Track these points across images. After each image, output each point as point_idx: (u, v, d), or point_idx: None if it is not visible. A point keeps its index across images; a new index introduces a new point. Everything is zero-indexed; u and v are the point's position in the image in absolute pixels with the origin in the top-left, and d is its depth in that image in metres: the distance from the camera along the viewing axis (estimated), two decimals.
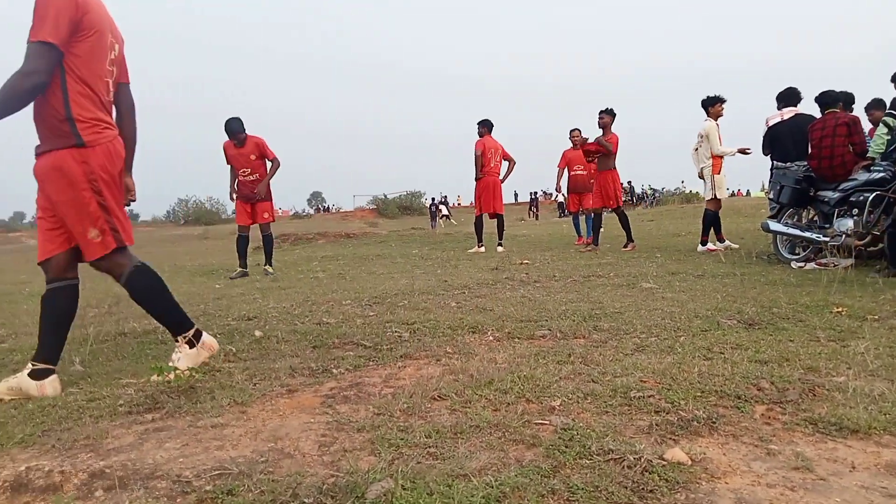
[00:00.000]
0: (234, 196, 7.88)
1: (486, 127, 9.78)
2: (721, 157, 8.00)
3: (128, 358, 3.25)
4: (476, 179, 9.79)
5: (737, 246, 8.11)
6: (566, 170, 10.71)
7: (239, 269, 7.95)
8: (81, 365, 3.09)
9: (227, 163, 7.76)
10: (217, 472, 1.71)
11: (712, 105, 8.13)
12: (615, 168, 9.05)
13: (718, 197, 8.17)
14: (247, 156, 7.60)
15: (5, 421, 2.28)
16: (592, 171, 9.72)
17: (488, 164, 9.69)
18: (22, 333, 4.11)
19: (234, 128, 7.46)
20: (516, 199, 49.10)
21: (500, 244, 9.97)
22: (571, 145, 10.40)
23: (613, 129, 8.97)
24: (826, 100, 6.49)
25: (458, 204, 51.70)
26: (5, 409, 2.42)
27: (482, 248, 9.86)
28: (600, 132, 8.94)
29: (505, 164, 9.96)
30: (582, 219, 10.69)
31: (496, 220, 9.91)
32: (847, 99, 6.69)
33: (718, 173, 8.11)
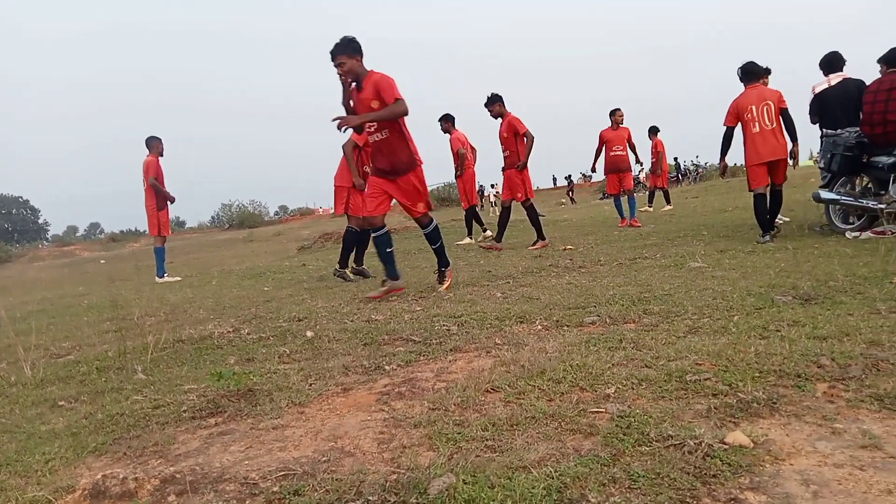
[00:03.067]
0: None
1: (450, 121, 9.88)
2: None
3: (187, 364, 3.35)
4: (458, 176, 10.00)
5: (787, 219, 7.86)
6: (604, 151, 10.48)
7: (352, 269, 6.66)
8: (144, 373, 3.21)
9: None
10: (282, 473, 1.77)
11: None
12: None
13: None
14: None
15: (78, 431, 2.38)
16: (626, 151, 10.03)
17: (467, 155, 9.93)
18: (86, 345, 4.28)
19: None
20: (555, 184, 48.59)
21: (484, 229, 10.41)
22: (611, 125, 10.13)
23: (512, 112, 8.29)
24: (888, 58, 6.21)
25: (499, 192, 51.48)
26: (77, 420, 2.53)
27: (472, 240, 10.18)
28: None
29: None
30: (623, 199, 10.44)
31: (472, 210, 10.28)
32: None
33: None
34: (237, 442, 2.10)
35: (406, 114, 4.78)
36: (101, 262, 24.44)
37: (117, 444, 2.21)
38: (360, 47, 4.77)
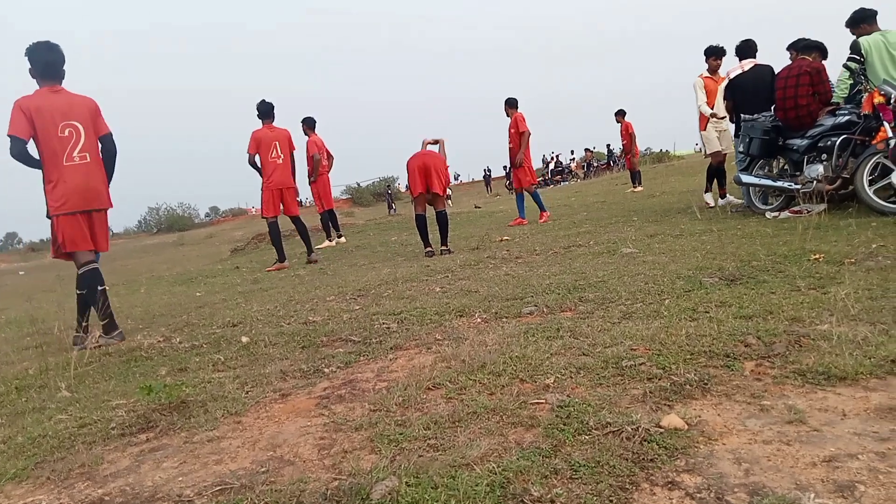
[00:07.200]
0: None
1: (309, 126, 10.09)
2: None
3: (115, 378, 3.20)
4: (312, 181, 10.12)
5: (741, 201, 7.49)
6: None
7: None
8: (68, 390, 3.04)
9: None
10: (218, 488, 1.70)
11: (707, 57, 8.02)
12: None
13: (709, 152, 8.13)
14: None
15: None
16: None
17: (320, 162, 10.04)
18: (3, 363, 4.03)
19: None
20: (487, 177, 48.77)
21: (340, 235, 10.63)
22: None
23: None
24: (798, 46, 6.56)
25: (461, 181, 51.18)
26: None
27: (333, 242, 10.37)
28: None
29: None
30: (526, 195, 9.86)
31: (329, 214, 10.49)
32: (823, 49, 6.67)
33: (704, 129, 8.02)
34: (170, 458, 2.02)
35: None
36: (21, 273, 23.16)
37: (40, 469, 2.08)
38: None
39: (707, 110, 7.87)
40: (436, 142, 7.40)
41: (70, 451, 2.20)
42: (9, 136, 4.03)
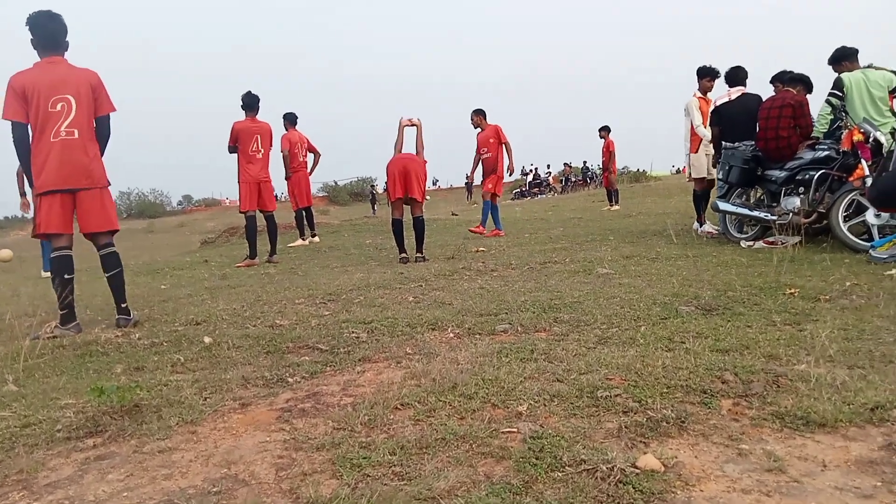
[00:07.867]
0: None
1: (290, 121, 9.93)
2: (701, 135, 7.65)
3: (67, 373, 3.05)
4: (287, 178, 9.96)
5: (717, 229, 7.40)
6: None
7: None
8: (15, 384, 2.88)
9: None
10: None
11: (700, 77, 7.79)
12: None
13: (695, 177, 7.91)
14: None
15: None
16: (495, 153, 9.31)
17: (296, 159, 9.82)
18: None
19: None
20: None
21: (314, 234, 10.44)
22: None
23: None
24: (783, 78, 6.64)
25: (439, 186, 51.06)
26: None
27: (306, 241, 10.16)
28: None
29: (311, 156, 10.22)
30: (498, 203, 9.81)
31: (306, 212, 10.28)
32: (808, 82, 6.73)
33: (696, 152, 7.81)
34: (116, 468, 1.89)
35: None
36: None
37: None
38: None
39: (704, 133, 7.58)
40: (412, 123, 7.16)
41: (9, 453, 2.07)
42: (6, 119, 3.90)
